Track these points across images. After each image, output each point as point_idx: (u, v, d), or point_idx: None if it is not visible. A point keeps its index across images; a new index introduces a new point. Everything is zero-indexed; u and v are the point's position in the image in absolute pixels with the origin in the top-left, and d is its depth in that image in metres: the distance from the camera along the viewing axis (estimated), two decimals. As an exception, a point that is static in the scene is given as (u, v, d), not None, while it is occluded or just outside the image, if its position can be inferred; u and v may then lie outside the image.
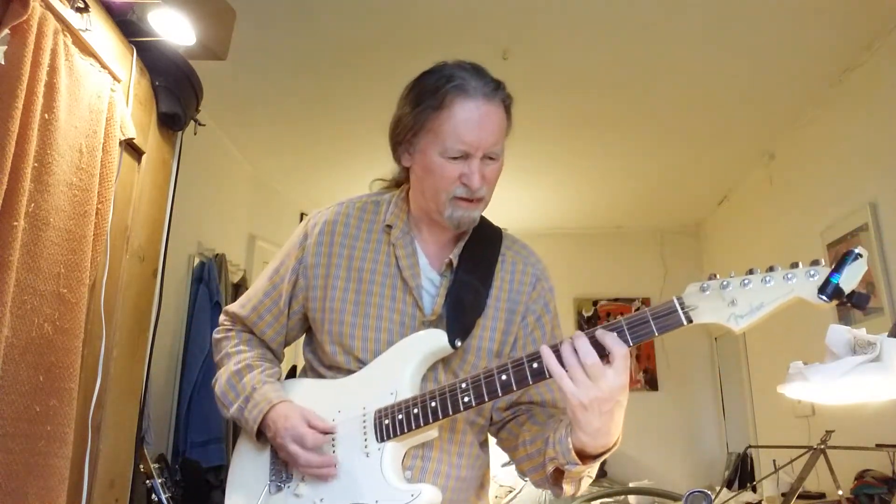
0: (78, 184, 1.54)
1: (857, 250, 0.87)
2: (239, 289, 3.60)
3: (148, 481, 2.08)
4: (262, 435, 1.17)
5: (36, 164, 1.39)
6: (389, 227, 1.24)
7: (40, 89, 1.39)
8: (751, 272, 0.94)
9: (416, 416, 1.07)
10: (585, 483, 1.09)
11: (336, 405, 1.16)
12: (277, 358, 1.32)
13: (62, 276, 1.47)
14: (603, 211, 4.75)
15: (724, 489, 3.47)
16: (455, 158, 1.12)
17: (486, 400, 1.03)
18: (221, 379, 1.24)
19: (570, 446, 1.00)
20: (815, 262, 0.89)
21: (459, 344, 1.12)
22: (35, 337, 1.39)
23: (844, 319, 2.95)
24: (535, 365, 1.00)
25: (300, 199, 4.61)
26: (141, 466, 2.03)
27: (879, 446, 2.34)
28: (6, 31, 1.31)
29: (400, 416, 1.08)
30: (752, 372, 4.16)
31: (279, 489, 1.15)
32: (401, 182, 1.30)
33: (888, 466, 2.43)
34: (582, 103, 3.32)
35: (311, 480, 1.12)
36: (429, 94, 1.14)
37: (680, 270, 5.03)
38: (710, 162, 3.99)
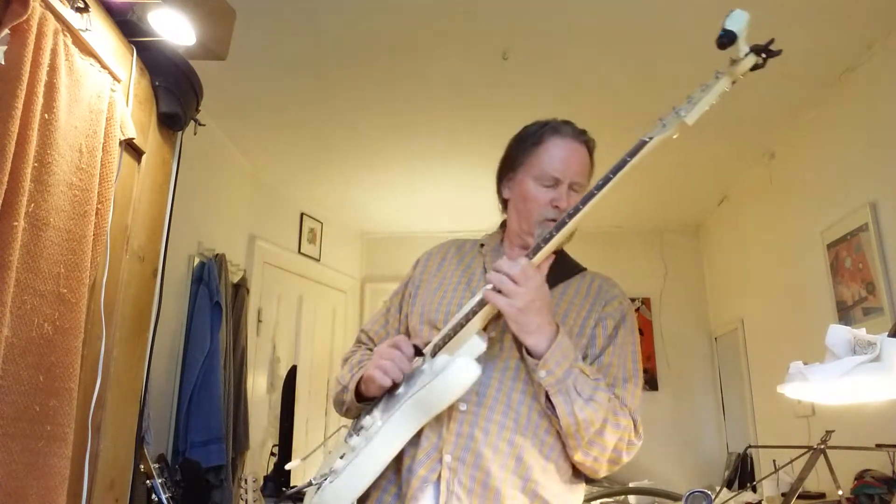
0: (78, 184, 1.54)
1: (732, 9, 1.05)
2: (239, 289, 3.61)
3: (148, 481, 2.08)
4: (361, 397, 1.34)
5: (36, 164, 1.39)
6: (482, 245, 1.49)
7: (40, 89, 1.39)
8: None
9: (459, 323, 1.22)
10: (582, 405, 1.17)
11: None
12: None
13: (62, 276, 1.47)
14: (603, 211, 4.72)
15: (724, 489, 3.47)
16: (547, 186, 1.35)
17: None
18: (343, 371, 1.45)
19: (525, 354, 1.20)
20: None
21: None
22: (35, 337, 1.39)
23: (845, 320, 2.95)
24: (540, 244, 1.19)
25: (300, 199, 4.61)
26: (141, 466, 2.03)
27: (879, 446, 2.34)
28: (6, 31, 1.31)
29: (447, 332, 1.23)
30: (752, 372, 4.15)
31: (351, 435, 1.28)
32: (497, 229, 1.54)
33: (888, 466, 2.43)
34: (582, 103, 3.32)
35: (377, 411, 1.26)
36: (529, 135, 1.42)
37: (680, 270, 5.03)
38: (709, 162, 3.99)
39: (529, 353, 1.19)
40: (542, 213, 1.34)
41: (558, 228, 1.18)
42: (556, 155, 1.36)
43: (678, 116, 1.14)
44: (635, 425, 1.30)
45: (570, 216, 1.17)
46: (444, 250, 1.51)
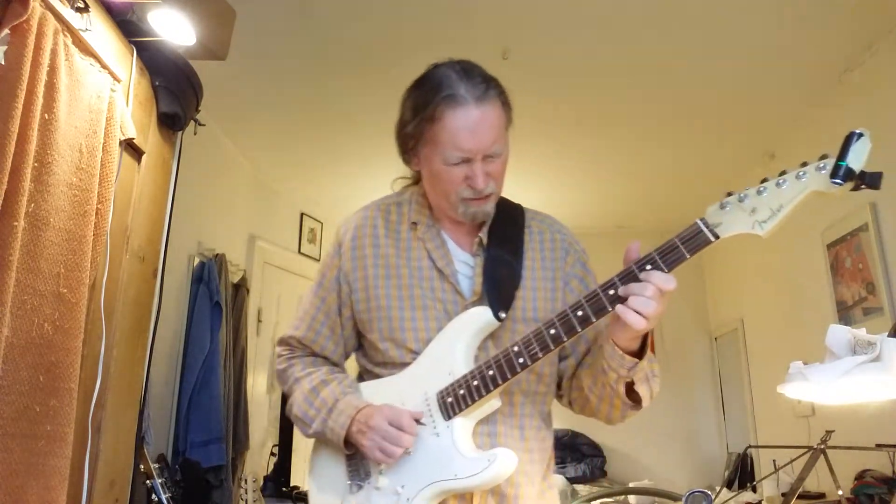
0: (78, 184, 1.54)
1: (857, 131, 0.92)
2: (239, 289, 3.60)
3: (148, 481, 2.08)
4: (347, 443, 1.20)
5: (36, 164, 1.39)
6: (415, 223, 1.29)
7: (40, 89, 1.39)
8: (765, 180, 0.98)
9: (477, 387, 1.12)
10: (655, 384, 1.15)
11: (399, 399, 1.20)
12: (344, 371, 1.36)
13: (62, 276, 1.47)
14: (603, 211, 4.74)
15: (724, 489, 3.47)
16: (457, 164, 1.16)
17: (540, 356, 1.09)
18: (297, 401, 1.28)
19: (620, 353, 1.08)
20: (824, 157, 0.93)
21: (504, 315, 1.17)
22: (35, 337, 1.39)
23: (845, 320, 2.95)
24: (579, 313, 1.06)
25: (300, 199, 4.61)
26: (141, 466, 2.03)
27: (879, 446, 2.34)
28: (6, 31, 1.31)
29: (461, 391, 1.13)
30: (752, 372, 4.15)
31: (360, 488, 1.21)
32: (419, 178, 1.33)
33: (888, 466, 2.43)
34: (582, 103, 3.32)
35: (390, 471, 1.17)
36: (422, 106, 1.18)
37: (680, 270, 5.02)
38: (709, 162, 3.99)
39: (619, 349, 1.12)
40: (459, 193, 1.18)
41: (691, 250, 1.03)
42: (457, 133, 1.13)
43: (758, 227, 0.97)
44: None
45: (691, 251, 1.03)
46: (371, 227, 1.30)
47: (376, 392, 1.24)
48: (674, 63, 2.97)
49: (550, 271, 1.28)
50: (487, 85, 1.17)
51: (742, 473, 3.79)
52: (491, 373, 1.11)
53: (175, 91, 1.98)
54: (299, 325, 1.34)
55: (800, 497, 2.05)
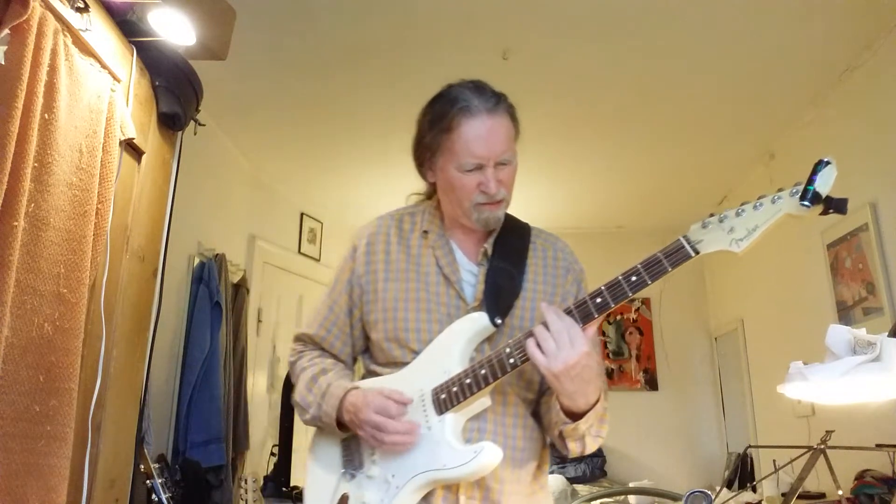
0: (78, 184, 1.54)
1: (825, 159, 0.99)
2: (239, 289, 3.61)
3: (148, 481, 2.08)
4: (342, 426, 1.28)
5: (36, 164, 1.39)
6: (426, 232, 1.39)
7: (40, 89, 1.39)
8: (744, 203, 1.07)
9: (469, 384, 1.19)
10: (591, 442, 1.25)
11: None
12: (349, 369, 1.45)
13: (62, 276, 1.47)
14: (603, 211, 4.74)
15: (724, 489, 3.47)
16: (471, 171, 1.26)
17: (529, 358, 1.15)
18: (299, 388, 1.39)
19: (559, 409, 1.18)
20: (797, 184, 1.01)
21: (500, 321, 1.24)
22: (35, 337, 1.39)
23: (845, 320, 2.95)
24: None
25: (300, 199, 4.61)
26: (141, 466, 2.03)
27: (879, 446, 2.34)
28: (6, 31, 1.31)
29: (455, 389, 1.20)
30: (752, 372, 4.15)
31: (353, 476, 1.28)
32: (432, 193, 1.44)
33: (888, 466, 2.43)
34: (582, 103, 3.32)
35: (382, 461, 1.24)
36: (438, 119, 1.29)
37: (680, 270, 5.02)
38: (710, 162, 3.99)
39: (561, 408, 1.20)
40: (473, 200, 1.28)
41: (616, 299, 1.15)
42: (472, 141, 1.24)
43: (735, 245, 1.07)
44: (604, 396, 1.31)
45: (616, 300, 1.15)
46: (385, 235, 1.40)
47: (377, 386, 1.29)
48: (674, 63, 2.97)
49: (551, 287, 1.35)
50: (498, 99, 1.28)
51: (742, 473, 3.79)
52: (483, 372, 1.18)
53: (175, 91, 1.99)
54: (312, 323, 1.45)
55: (800, 497, 2.05)
